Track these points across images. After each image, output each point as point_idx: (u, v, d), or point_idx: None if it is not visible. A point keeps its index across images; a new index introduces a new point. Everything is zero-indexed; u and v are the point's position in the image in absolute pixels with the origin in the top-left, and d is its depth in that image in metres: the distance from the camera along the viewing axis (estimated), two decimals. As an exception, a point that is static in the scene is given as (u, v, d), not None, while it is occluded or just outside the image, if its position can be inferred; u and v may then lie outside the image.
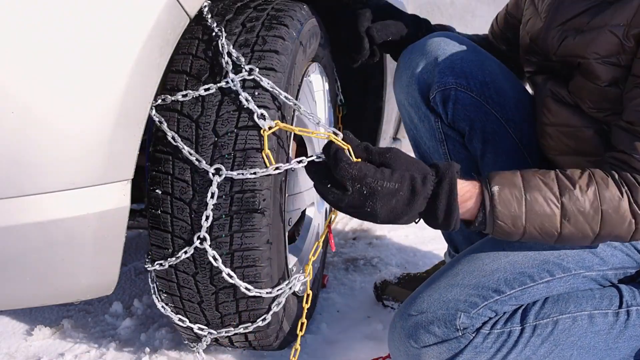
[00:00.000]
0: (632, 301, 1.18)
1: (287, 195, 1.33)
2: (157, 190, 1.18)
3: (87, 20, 1.00)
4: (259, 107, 1.16)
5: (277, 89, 1.17)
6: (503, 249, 1.21)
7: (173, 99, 1.17)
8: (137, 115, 1.07)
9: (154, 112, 1.17)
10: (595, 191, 1.10)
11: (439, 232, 1.73)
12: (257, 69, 1.17)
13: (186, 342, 1.38)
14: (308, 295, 1.32)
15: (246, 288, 1.20)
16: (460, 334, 1.13)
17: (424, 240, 2.38)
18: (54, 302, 1.17)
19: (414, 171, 1.09)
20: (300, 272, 1.30)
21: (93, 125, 1.02)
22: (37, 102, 0.97)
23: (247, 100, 1.15)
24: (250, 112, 1.16)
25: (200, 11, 1.23)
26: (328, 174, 1.09)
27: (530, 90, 1.51)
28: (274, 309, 1.25)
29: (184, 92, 1.17)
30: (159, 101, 1.17)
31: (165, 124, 1.17)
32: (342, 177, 1.05)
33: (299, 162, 1.15)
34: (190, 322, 1.30)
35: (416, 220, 1.16)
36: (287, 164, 1.18)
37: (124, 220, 1.10)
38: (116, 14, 1.02)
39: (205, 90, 1.16)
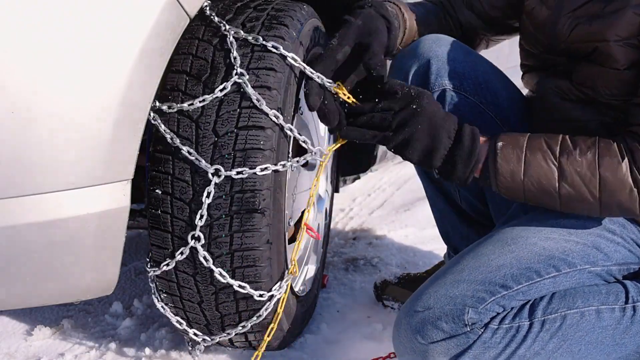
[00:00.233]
0: (638, 297, 1.18)
1: (287, 195, 1.33)
2: (157, 190, 1.18)
3: (87, 20, 1.00)
4: (261, 87, 1.17)
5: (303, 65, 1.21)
6: (508, 245, 1.21)
7: (187, 105, 1.17)
8: (137, 115, 1.07)
9: (156, 118, 1.17)
10: (595, 154, 1.14)
11: (438, 232, 1.73)
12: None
13: (188, 343, 1.38)
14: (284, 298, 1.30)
15: (239, 286, 1.20)
16: (469, 329, 1.12)
17: (424, 240, 2.38)
18: (54, 302, 1.17)
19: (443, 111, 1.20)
20: (286, 273, 1.30)
21: (93, 125, 1.02)
22: (37, 102, 0.97)
23: (257, 100, 1.16)
24: (250, 111, 1.16)
25: (202, 10, 1.23)
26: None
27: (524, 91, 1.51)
28: (266, 311, 1.26)
29: (201, 98, 1.16)
30: (166, 107, 1.18)
31: (164, 126, 1.16)
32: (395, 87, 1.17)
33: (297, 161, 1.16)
34: (187, 325, 1.30)
35: (436, 171, 1.20)
36: (290, 162, 1.19)
37: (124, 220, 1.10)
38: (116, 14, 1.02)
39: (221, 90, 1.16)
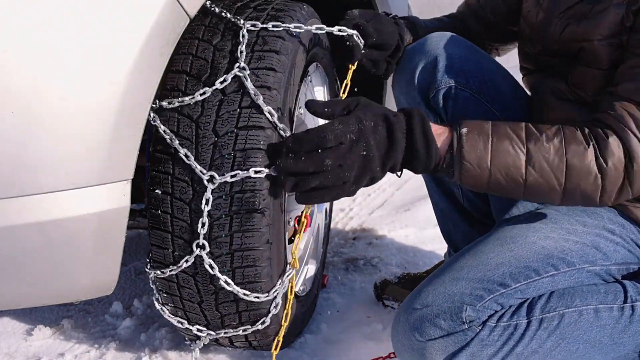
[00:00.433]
0: (637, 296, 1.18)
1: (287, 195, 1.33)
2: (157, 190, 1.18)
3: (87, 20, 1.00)
4: (261, 87, 1.17)
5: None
6: (507, 244, 1.22)
7: (188, 99, 1.17)
8: (137, 115, 1.07)
9: (156, 118, 1.17)
10: (562, 140, 1.12)
11: (439, 232, 1.73)
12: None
13: (187, 341, 1.38)
14: (291, 297, 1.31)
15: (244, 294, 1.21)
16: (467, 327, 1.12)
17: (424, 240, 2.38)
18: (54, 302, 1.17)
19: (385, 110, 1.13)
20: (288, 269, 1.29)
21: (93, 125, 1.02)
22: (37, 102, 0.97)
23: (255, 94, 1.16)
24: (250, 111, 1.16)
25: (205, 9, 1.23)
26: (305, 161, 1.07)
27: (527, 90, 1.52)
28: (273, 311, 1.26)
29: (201, 91, 1.16)
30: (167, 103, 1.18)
31: (163, 127, 1.16)
32: (325, 138, 1.06)
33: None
34: (189, 323, 1.30)
35: (398, 173, 1.17)
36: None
37: (124, 220, 1.10)
38: (116, 14, 1.02)
39: (222, 82, 1.16)
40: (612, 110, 1.13)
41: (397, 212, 2.78)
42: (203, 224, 1.15)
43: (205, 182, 1.14)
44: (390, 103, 1.95)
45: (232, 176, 1.14)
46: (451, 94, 1.38)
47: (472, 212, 1.59)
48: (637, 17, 1.16)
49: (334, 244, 2.32)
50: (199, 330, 1.30)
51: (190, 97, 1.16)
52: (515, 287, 1.16)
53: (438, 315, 1.13)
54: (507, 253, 1.20)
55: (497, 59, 1.63)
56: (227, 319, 1.27)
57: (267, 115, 1.16)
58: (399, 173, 1.17)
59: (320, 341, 1.59)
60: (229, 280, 1.19)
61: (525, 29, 1.44)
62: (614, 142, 1.11)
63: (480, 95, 1.40)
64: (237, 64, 1.17)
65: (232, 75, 1.17)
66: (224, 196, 1.16)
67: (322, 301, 1.80)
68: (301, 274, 1.59)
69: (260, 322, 1.26)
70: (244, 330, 1.28)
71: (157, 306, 1.30)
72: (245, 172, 1.14)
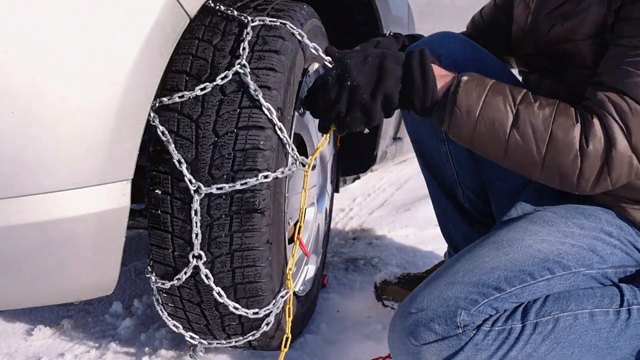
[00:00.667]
0: (633, 300, 1.17)
1: (287, 195, 1.33)
2: (157, 190, 1.18)
3: (87, 20, 1.00)
4: (261, 87, 1.17)
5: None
6: (503, 247, 1.21)
7: (185, 93, 1.17)
8: (137, 115, 1.07)
9: (155, 119, 1.17)
10: (553, 112, 1.14)
11: (439, 232, 1.73)
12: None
13: (190, 347, 1.38)
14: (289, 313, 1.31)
15: (234, 307, 1.22)
16: (461, 331, 1.12)
17: (424, 240, 2.38)
18: (54, 302, 1.17)
19: (386, 50, 1.22)
20: (283, 290, 1.29)
21: (93, 125, 1.02)
22: (37, 102, 0.97)
23: (255, 90, 1.16)
24: (250, 111, 1.16)
25: (207, 7, 1.24)
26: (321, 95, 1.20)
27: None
28: (264, 328, 1.27)
29: (202, 86, 1.16)
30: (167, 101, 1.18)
31: (161, 127, 1.16)
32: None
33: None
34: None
35: (392, 108, 1.20)
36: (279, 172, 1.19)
37: (124, 220, 1.10)
38: (116, 14, 1.02)
39: (222, 79, 1.17)
40: (595, 98, 1.14)
41: (397, 212, 2.78)
42: (197, 235, 1.16)
43: (192, 193, 1.15)
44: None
45: (218, 188, 1.14)
46: None
47: (472, 212, 1.59)
48: (618, 15, 1.17)
49: (334, 244, 2.32)
50: (192, 337, 1.32)
51: (190, 92, 1.16)
52: (510, 291, 1.16)
53: (433, 320, 1.13)
54: (502, 257, 1.20)
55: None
56: (227, 319, 1.27)
57: (266, 112, 1.16)
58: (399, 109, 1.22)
59: (320, 341, 1.59)
60: (222, 292, 1.21)
61: (518, 32, 1.45)
62: (597, 125, 1.12)
63: None
64: (239, 61, 1.17)
65: (233, 72, 1.17)
66: (223, 196, 1.16)
67: (322, 301, 1.80)
68: (301, 274, 1.59)
69: (260, 329, 1.27)
70: (245, 337, 1.30)
71: (157, 307, 1.30)
72: (232, 185, 1.14)
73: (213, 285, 1.20)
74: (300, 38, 1.27)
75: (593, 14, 1.20)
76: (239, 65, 1.17)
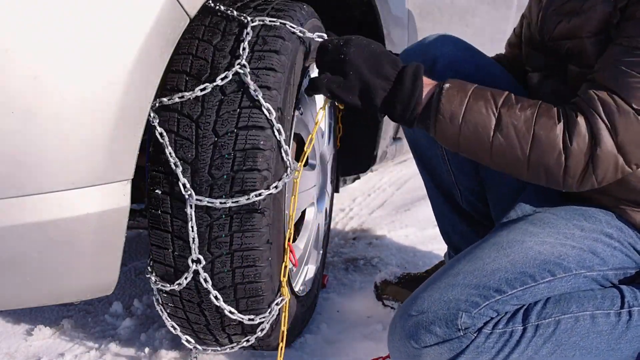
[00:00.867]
0: (634, 302, 1.17)
1: (287, 195, 1.33)
2: (157, 190, 1.18)
3: (87, 20, 1.00)
4: (261, 87, 1.17)
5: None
6: (503, 249, 1.21)
7: (188, 94, 1.17)
8: (137, 115, 1.07)
9: (155, 119, 1.17)
10: (534, 113, 1.15)
11: (439, 232, 1.73)
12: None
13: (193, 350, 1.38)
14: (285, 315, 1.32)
15: (230, 312, 1.22)
16: (462, 334, 1.12)
17: (424, 240, 2.38)
18: (54, 302, 1.17)
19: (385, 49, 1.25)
20: (279, 297, 1.29)
21: (93, 125, 1.02)
22: (37, 102, 0.97)
23: (255, 90, 1.16)
24: (250, 111, 1.16)
25: (206, 7, 1.24)
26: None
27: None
28: (258, 333, 1.28)
29: (202, 86, 1.17)
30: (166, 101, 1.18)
31: (160, 129, 1.16)
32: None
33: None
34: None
35: (380, 115, 1.24)
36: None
37: (124, 220, 1.10)
38: (116, 14, 1.02)
39: (222, 79, 1.17)
40: (585, 95, 1.15)
41: (397, 212, 2.78)
42: (194, 239, 1.16)
43: (186, 198, 1.15)
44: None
45: (209, 202, 1.15)
46: None
47: (471, 213, 1.59)
48: (624, 13, 1.17)
49: (334, 244, 2.32)
50: (187, 341, 1.33)
51: (191, 92, 1.16)
52: (511, 294, 1.16)
53: (433, 322, 1.13)
54: (503, 259, 1.19)
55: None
56: (227, 319, 1.27)
57: (265, 112, 1.16)
58: (380, 115, 1.24)
59: (320, 341, 1.59)
60: (219, 296, 1.21)
61: (527, 30, 1.45)
62: (581, 123, 1.12)
63: None
64: (239, 61, 1.17)
65: (233, 72, 1.17)
66: (223, 196, 1.16)
67: (322, 301, 1.80)
68: (301, 274, 1.59)
69: (255, 334, 1.28)
70: (244, 339, 1.30)
71: (157, 307, 1.30)
72: (222, 201, 1.15)
73: (211, 288, 1.20)
74: (301, 35, 1.27)
75: (599, 11, 1.20)
76: (238, 66, 1.17)
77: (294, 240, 1.64)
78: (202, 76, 1.19)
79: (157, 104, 1.17)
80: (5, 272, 1.06)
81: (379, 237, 2.42)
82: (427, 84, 1.21)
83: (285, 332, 1.32)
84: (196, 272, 1.19)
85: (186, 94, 1.17)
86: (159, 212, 1.19)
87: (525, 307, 1.16)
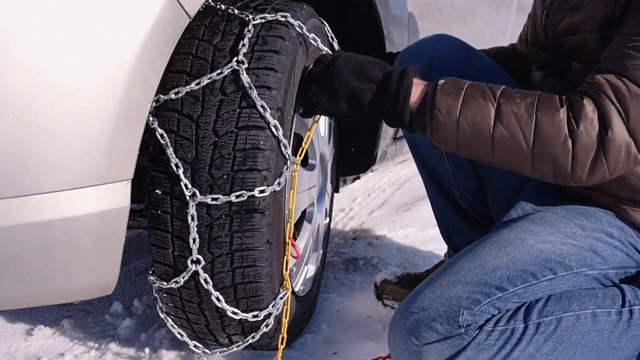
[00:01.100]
0: (635, 300, 1.17)
1: (287, 195, 1.33)
2: (157, 190, 1.18)
3: (87, 20, 1.00)
4: (261, 87, 1.17)
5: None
6: (505, 247, 1.21)
7: (186, 88, 1.17)
8: (137, 115, 1.07)
9: (154, 121, 1.17)
10: (535, 100, 1.11)
11: (439, 232, 1.73)
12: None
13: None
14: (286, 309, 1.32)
15: (233, 312, 1.22)
16: (463, 331, 1.12)
17: (424, 240, 2.38)
18: (54, 302, 1.17)
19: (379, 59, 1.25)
20: (282, 291, 1.29)
21: (93, 125, 1.02)
22: (37, 102, 0.97)
23: (249, 86, 1.16)
24: (250, 111, 1.16)
25: (207, 7, 1.24)
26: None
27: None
28: (264, 329, 1.28)
29: (197, 81, 1.17)
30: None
31: (160, 130, 1.16)
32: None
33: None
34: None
35: (370, 110, 1.23)
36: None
37: (124, 220, 1.10)
38: (116, 14, 1.02)
39: (218, 74, 1.17)
40: (592, 80, 1.12)
41: (397, 212, 2.78)
42: (194, 240, 1.16)
43: (188, 198, 1.15)
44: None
45: (213, 199, 1.15)
46: None
47: (470, 212, 1.59)
48: (627, 8, 1.16)
49: (334, 244, 2.32)
50: (195, 346, 1.33)
51: (188, 86, 1.17)
52: (512, 291, 1.16)
53: (435, 319, 1.13)
54: (504, 256, 1.19)
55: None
56: (227, 319, 1.27)
57: (260, 109, 1.16)
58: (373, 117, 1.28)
59: (320, 341, 1.59)
60: (220, 297, 1.21)
61: (532, 29, 1.46)
62: (588, 106, 1.08)
63: None
64: (236, 57, 1.17)
65: (229, 68, 1.17)
66: (224, 195, 1.16)
67: (322, 301, 1.80)
68: (301, 274, 1.59)
69: (260, 330, 1.28)
70: (245, 339, 1.30)
71: (158, 307, 1.30)
72: (225, 197, 1.15)
73: (212, 289, 1.20)
74: (300, 31, 1.27)
75: (600, 6, 1.20)
76: (236, 62, 1.17)
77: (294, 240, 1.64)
78: (202, 76, 1.18)
79: (155, 103, 1.17)
80: (5, 272, 1.06)
81: (379, 237, 2.42)
82: (421, 84, 1.19)
83: (286, 325, 1.32)
84: (196, 273, 1.19)
85: (182, 88, 1.17)
86: (159, 212, 1.19)
87: (526, 304, 1.16)
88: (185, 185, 1.15)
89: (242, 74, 1.16)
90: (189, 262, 1.18)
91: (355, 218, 2.69)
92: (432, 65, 1.40)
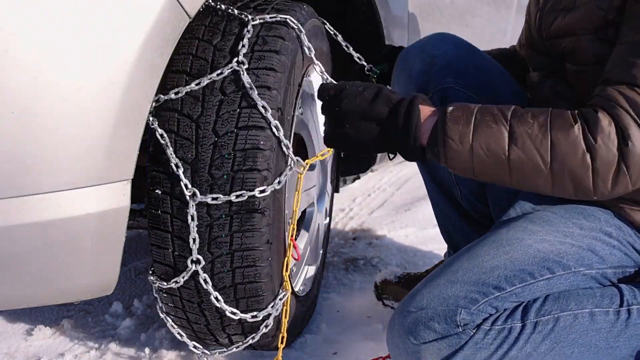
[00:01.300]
0: (633, 300, 1.17)
1: (287, 195, 1.33)
2: (157, 190, 1.18)
3: (87, 20, 1.00)
4: (261, 87, 1.17)
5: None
6: (502, 247, 1.21)
7: (186, 88, 1.17)
8: (137, 115, 1.07)
9: (154, 121, 1.17)
10: (547, 118, 1.10)
11: (439, 232, 1.73)
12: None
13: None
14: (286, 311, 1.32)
15: (232, 312, 1.22)
16: (461, 330, 1.12)
17: (424, 240, 2.38)
18: (54, 302, 1.17)
19: (383, 89, 1.19)
20: (281, 292, 1.29)
21: (93, 125, 1.02)
22: (37, 102, 0.97)
23: (249, 86, 1.16)
24: (250, 111, 1.16)
25: (207, 7, 1.24)
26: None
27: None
28: (263, 329, 1.28)
29: (197, 81, 1.17)
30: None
31: (160, 130, 1.17)
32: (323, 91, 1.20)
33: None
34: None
35: (389, 156, 1.24)
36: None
37: (124, 220, 1.10)
38: (116, 14, 1.02)
39: (218, 74, 1.17)
40: (604, 93, 1.11)
41: (397, 212, 2.78)
42: (194, 240, 1.16)
43: (188, 198, 1.15)
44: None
45: (213, 199, 1.15)
46: (449, 95, 1.38)
47: (471, 212, 1.59)
48: (622, 13, 1.15)
49: (334, 244, 2.32)
50: (195, 347, 1.33)
51: (188, 86, 1.17)
52: (510, 291, 1.16)
53: (432, 319, 1.13)
54: (502, 256, 1.19)
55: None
56: (227, 319, 1.27)
57: (261, 110, 1.16)
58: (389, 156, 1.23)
59: (320, 341, 1.59)
60: (219, 297, 1.21)
61: (528, 32, 1.46)
62: (604, 119, 1.07)
63: (478, 96, 1.39)
64: (237, 58, 1.17)
65: (229, 68, 1.17)
66: (222, 196, 1.16)
67: (322, 301, 1.80)
68: (301, 274, 1.59)
69: (260, 331, 1.28)
70: (245, 339, 1.30)
71: (162, 315, 1.31)
72: (225, 197, 1.15)
73: (211, 290, 1.20)
74: (299, 33, 1.27)
75: (593, 8, 1.20)
76: (236, 62, 1.17)
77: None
78: (202, 76, 1.18)
79: (155, 103, 1.17)
80: (5, 272, 1.06)
81: (379, 237, 2.41)
82: (429, 111, 1.15)
83: (286, 326, 1.32)
84: (196, 273, 1.19)
85: (182, 88, 1.17)
86: (159, 212, 1.19)
87: (524, 304, 1.16)
88: (185, 185, 1.15)
89: (243, 74, 1.16)
90: (188, 262, 1.18)
91: (355, 218, 2.69)
92: (434, 64, 1.40)
